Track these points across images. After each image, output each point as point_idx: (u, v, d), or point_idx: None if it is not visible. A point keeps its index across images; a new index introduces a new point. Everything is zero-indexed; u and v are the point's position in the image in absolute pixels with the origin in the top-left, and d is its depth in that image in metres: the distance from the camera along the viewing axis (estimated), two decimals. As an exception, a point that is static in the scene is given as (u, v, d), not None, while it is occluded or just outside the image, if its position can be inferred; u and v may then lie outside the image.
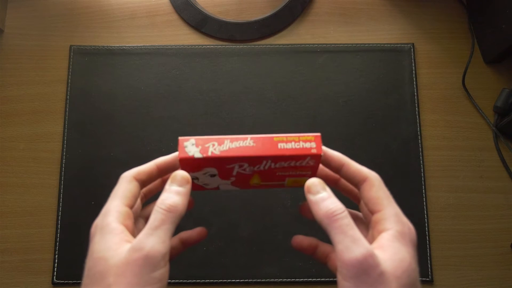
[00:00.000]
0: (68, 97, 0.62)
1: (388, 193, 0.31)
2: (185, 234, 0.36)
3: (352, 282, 0.26)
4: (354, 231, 0.27)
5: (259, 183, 0.33)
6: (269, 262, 0.57)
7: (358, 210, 0.34)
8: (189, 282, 0.56)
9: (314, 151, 0.30)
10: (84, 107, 0.62)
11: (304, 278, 0.56)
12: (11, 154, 0.61)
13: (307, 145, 0.30)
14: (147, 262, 0.27)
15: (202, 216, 0.58)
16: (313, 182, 0.30)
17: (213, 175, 0.32)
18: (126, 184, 0.31)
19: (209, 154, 0.30)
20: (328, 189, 0.30)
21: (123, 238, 0.28)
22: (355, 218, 0.33)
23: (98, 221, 0.30)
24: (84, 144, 0.61)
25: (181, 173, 0.31)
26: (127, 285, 0.26)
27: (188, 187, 0.31)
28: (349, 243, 0.26)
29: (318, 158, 0.30)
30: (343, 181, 0.34)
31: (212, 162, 0.31)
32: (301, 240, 0.35)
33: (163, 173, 0.34)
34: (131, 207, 0.31)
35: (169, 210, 0.29)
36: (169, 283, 0.60)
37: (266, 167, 0.31)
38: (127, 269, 0.27)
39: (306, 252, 0.35)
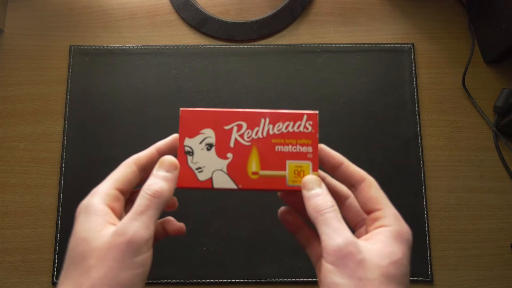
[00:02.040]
0: (68, 97, 0.62)
1: (385, 195, 0.32)
2: (168, 223, 0.35)
3: (334, 265, 0.28)
4: (338, 223, 0.29)
5: (257, 172, 0.32)
6: (269, 262, 0.57)
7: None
8: (189, 282, 0.56)
9: (309, 111, 0.33)
10: (84, 107, 0.62)
11: (304, 278, 0.56)
12: (11, 154, 0.61)
13: (303, 111, 0.33)
14: (130, 247, 0.27)
15: (202, 216, 0.58)
16: (309, 179, 0.31)
17: (209, 147, 0.32)
18: (123, 168, 0.31)
19: (209, 108, 0.32)
20: (323, 186, 0.31)
21: (107, 220, 0.28)
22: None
23: (84, 201, 0.30)
24: (84, 144, 0.61)
25: (169, 158, 0.31)
26: (108, 268, 0.26)
27: (176, 173, 0.31)
28: (332, 232, 0.28)
29: (315, 119, 0.32)
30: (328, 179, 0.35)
31: (211, 117, 0.32)
32: (288, 212, 0.36)
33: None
34: (123, 191, 0.31)
35: (155, 195, 0.29)
36: (169, 283, 0.61)
37: (265, 133, 0.32)
38: (109, 252, 0.27)
39: (289, 228, 0.36)
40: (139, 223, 0.28)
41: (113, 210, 0.29)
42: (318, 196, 0.30)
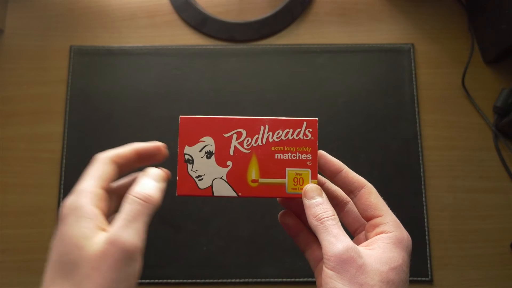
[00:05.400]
0: (68, 97, 0.62)
1: (384, 201, 0.32)
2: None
3: (335, 271, 0.28)
4: (338, 229, 0.29)
5: (257, 179, 0.33)
6: (269, 262, 0.57)
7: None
8: (189, 282, 0.56)
9: (309, 118, 0.33)
10: (84, 107, 0.62)
11: (304, 278, 0.56)
12: (11, 154, 0.61)
13: (302, 118, 0.34)
14: (124, 256, 0.26)
15: (202, 216, 0.58)
16: (310, 187, 0.32)
17: (209, 155, 0.32)
18: (103, 166, 0.30)
19: (209, 116, 0.32)
20: (324, 195, 0.32)
21: (97, 225, 0.27)
22: None
23: (71, 201, 0.28)
24: (84, 144, 0.61)
25: (155, 170, 0.31)
26: (102, 279, 0.25)
27: (163, 185, 0.30)
28: (332, 238, 0.29)
29: (314, 126, 0.33)
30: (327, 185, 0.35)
31: (211, 124, 0.32)
32: (288, 215, 0.36)
33: (141, 161, 0.32)
34: (106, 190, 0.30)
35: (146, 200, 0.28)
36: (169, 283, 0.61)
37: (264, 141, 0.32)
38: (103, 262, 0.26)
39: (289, 231, 0.36)
40: (132, 230, 0.27)
41: (101, 211, 0.28)
42: (319, 205, 0.31)
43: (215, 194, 0.33)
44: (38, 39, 0.66)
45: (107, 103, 0.62)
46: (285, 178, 0.33)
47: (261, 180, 0.33)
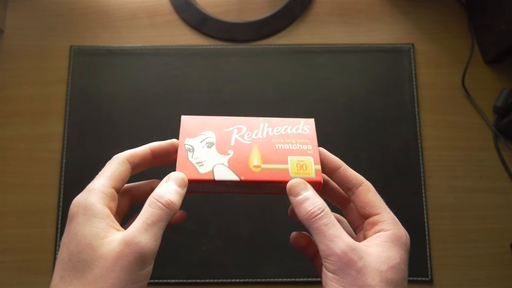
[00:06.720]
0: (68, 97, 0.62)
1: (382, 199, 0.32)
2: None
3: (335, 274, 0.27)
4: (333, 229, 0.28)
5: (259, 166, 0.32)
6: (269, 262, 0.57)
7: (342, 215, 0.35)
8: (189, 282, 0.56)
9: (306, 119, 0.34)
10: (84, 107, 0.62)
11: (304, 278, 0.56)
12: (11, 154, 0.61)
13: (299, 118, 0.35)
14: (139, 259, 0.26)
15: (202, 216, 0.58)
16: (294, 183, 0.30)
17: (210, 145, 0.32)
18: (117, 165, 0.30)
19: (209, 116, 0.33)
20: (309, 188, 0.30)
21: (109, 224, 0.27)
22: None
23: (80, 199, 0.28)
24: (84, 144, 0.61)
25: (181, 174, 0.30)
26: (115, 280, 0.25)
27: (185, 190, 0.30)
28: (328, 242, 0.28)
29: (312, 125, 0.34)
30: (330, 184, 0.35)
31: (211, 121, 0.33)
32: (301, 237, 0.36)
33: (157, 159, 0.32)
34: (117, 189, 0.30)
35: (168, 206, 0.28)
36: (169, 283, 0.61)
37: (264, 134, 0.33)
38: (118, 263, 0.26)
39: (298, 247, 0.36)
40: (150, 234, 0.27)
41: (111, 210, 0.28)
42: (307, 200, 0.29)
43: (216, 178, 0.31)
44: (38, 39, 0.66)
45: (107, 103, 0.62)
46: (287, 164, 0.32)
47: (264, 165, 0.32)
